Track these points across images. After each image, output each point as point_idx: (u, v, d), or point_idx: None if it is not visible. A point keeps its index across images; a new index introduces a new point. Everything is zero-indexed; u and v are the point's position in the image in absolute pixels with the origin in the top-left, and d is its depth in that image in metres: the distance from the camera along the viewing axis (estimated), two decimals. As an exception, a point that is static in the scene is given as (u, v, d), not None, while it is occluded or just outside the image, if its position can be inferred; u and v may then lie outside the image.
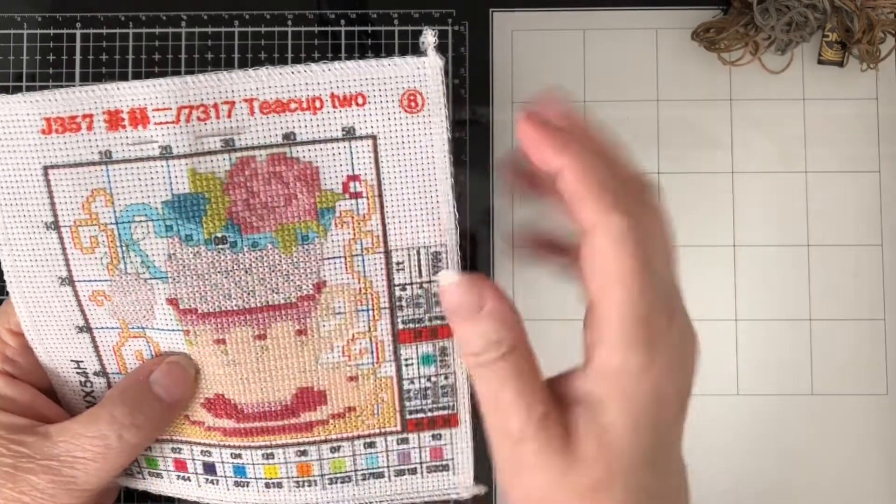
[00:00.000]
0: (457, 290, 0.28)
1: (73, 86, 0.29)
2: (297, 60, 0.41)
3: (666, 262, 0.27)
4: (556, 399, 0.27)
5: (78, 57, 0.42)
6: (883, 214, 0.41)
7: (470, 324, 0.28)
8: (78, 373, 0.33)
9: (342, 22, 0.42)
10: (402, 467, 0.34)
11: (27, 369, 0.33)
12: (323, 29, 0.42)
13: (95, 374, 0.33)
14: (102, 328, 0.32)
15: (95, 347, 0.33)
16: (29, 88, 0.41)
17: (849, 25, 0.40)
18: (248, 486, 0.34)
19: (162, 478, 0.35)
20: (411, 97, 0.29)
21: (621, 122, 0.41)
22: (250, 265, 0.31)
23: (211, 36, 0.41)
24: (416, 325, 0.32)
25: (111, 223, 0.31)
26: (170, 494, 0.35)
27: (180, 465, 0.34)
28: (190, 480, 0.34)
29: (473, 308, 0.28)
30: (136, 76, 0.41)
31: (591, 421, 0.26)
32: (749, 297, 0.41)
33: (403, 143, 0.30)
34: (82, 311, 0.32)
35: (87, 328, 0.32)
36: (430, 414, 0.33)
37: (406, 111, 0.30)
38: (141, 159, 0.30)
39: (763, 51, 0.41)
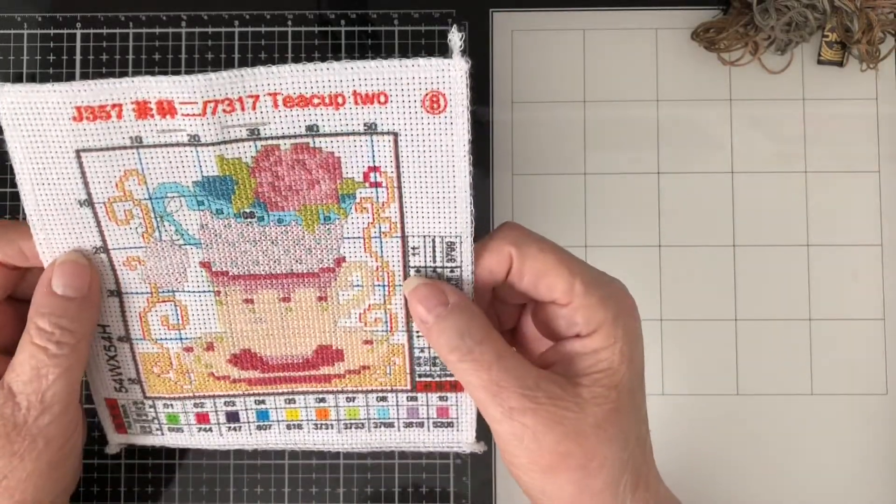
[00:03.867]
0: (423, 288, 0.31)
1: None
2: (297, 60, 0.41)
3: None
4: (545, 364, 0.31)
5: (78, 57, 0.42)
6: (883, 214, 0.41)
7: (439, 321, 0.30)
8: (103, 337, 0.34)
9: (342, 22, 0.42)
10: (411, 420, 0.36)
11: None
12: (323, 29, 0.42)
13: (119, 339, 0.34)
14: (132, 293, 0.33)
15: (123, 312, 0.34)
16: (29, 88, 0.41)
17: (848, 25, 0.40)
18: (269, 428, 0.36)
19: (182, 432, 0.36)
20: (434, 98, 0.29)
21: (621, 122, 0.42)
22: (276, 237, 0.32)
23: (211, 36, 0.41)
24: None
25: (145, 199, 0.31)
26: (190, 446, 0.37)
27: (202, 418, 0.36)
28: (211, 431, 0.36)
29: (440, 303, 0.30)
30: (137, 76, 0.41)
31: (593, 366, 0.30)
32: (749, 297, 0.41)
33: (424, 141, 0.30)
34: (115, 276, 0.33)
35: (117, 293, 0.33)
36: (437, 379, 0.35)
37: (428, 112, 0.30)
38: (170, 145, 0.30)
39: (763, 51, 0.41)
